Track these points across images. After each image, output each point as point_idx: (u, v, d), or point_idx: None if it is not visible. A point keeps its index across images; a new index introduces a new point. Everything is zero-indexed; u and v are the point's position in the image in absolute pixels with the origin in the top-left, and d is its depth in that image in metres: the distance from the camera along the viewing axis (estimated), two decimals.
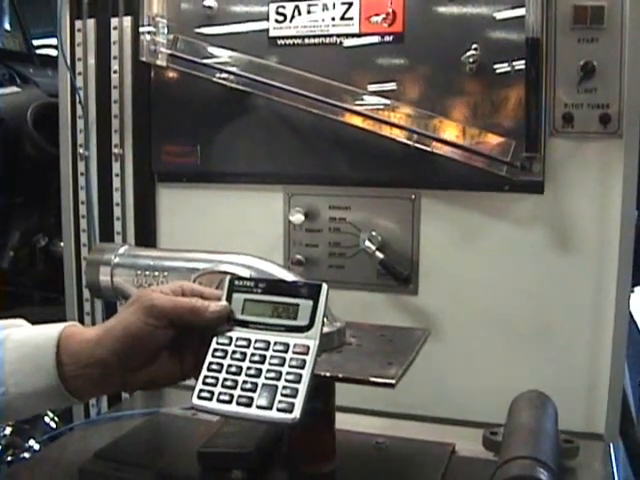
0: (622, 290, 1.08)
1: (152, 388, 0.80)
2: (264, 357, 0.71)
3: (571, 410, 1.07)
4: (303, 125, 1.19)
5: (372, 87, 1.15)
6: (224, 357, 0.72)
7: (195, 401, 0.71)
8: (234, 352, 0.72)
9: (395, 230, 1.19)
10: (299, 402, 0.67)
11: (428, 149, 1.12)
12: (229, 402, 0.69)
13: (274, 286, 0.75)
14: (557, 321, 1.13)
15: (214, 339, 0.74)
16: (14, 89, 2.11)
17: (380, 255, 1.17)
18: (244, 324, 0.74)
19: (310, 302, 0.72)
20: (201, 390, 0.71)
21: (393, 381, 0.78)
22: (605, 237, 1.09)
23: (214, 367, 0.72)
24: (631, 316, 1.25)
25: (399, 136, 1.13)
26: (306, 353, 0.69)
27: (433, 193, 1.17)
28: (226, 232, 1.27)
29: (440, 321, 1.18)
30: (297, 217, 1.21)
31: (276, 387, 0.68)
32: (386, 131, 1.14)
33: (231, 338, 0.73)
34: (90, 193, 1.36)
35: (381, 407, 1.15)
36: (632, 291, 1.13)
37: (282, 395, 0.68)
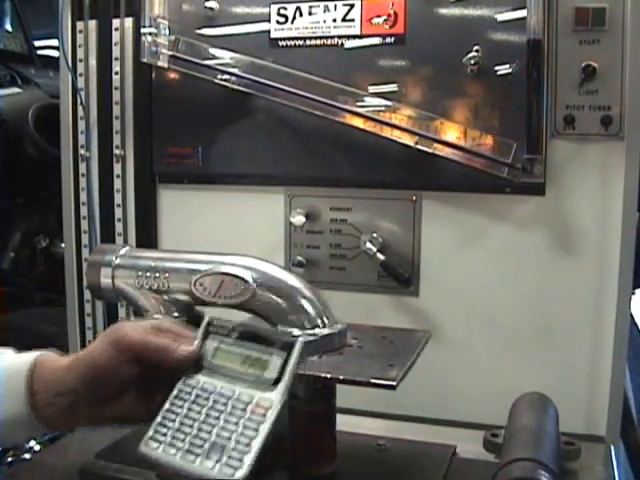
0: (623, 292, 1.08)
1: (119, 424, 0.78)
2: (221, 412, 0.68)
3: (572, 412, 1.07)
4: (304, 126, 1.19)
5: (373, 89, 1.15)
6: (182, 405, 0.70)
7: (141, 447, 0.68)
8: (193, 401, 0.69)
9: (396, 232, 1.19)
10: (249, 458, 0.63)
11: (429, 151, 1.12)
12: (174, 455, 0.66)
13: (250, 334, 0.72)
14: (558, 323, 1.13)
15: (178, 384, 0.72)
16: (15, 90, 2.12)
17: (381, 257, 1.17)
18: (212, 370, 0.71)
19: (283, 355, 0.69)
20: (150, 437, 0.68)
21: (394, 383, 0.78)
22: (606, 239, 1.09)
23: (169, 415, 0.69)
24: (632, 318, 1.25)
25: (400, 138, 1.13)
26: (265, 412, 0.66)
27: (434, 195, 1.17)
28: (227, 233, 1.27)
29: (441, 323, 1.18)
30: (298, 218, 1.21)
31: (228, 442, 0.65)
32: (387, 133, 1.14)
33: (194, 386, 0.71)
34: (91, 194, 1.36)
35: (382, 409, 1.15)
36: (633, 293, 1.13)
37: (233, 450, 0.64)
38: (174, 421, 0.69)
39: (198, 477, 0.64)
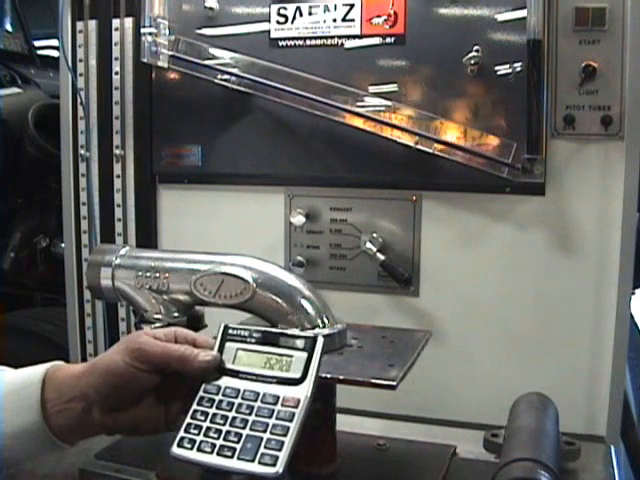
0: (623, 292, 1.08)
1: (133, 434, 0.76)
2: (252, 408, 0.68)
3: (572, 412, 1.07)
4: (304, 126, 1.19)
5: (373, 89, 1.15)
6: (210, 406, 0.70)
7: (174, 450, 0.68)
8: (221, 401, 0.70)
9: (396, 232, 1.19)
10: (283, 456, 0.64)
11: (429, 151, 1.12)
12: (210, 452, 0.67)
13: (269, 336, 0.73)
14: (558, 322, 1.13)
15: (202, 387, 0.72)
16: (15, 90, 2.11)
17: (381, 257, 1.17)
18: (234, 374, 0.72)
19: (304, 354, 0.70)
20: (182, 438, 0.69)
21: (394, 383, 0.78)
22: (606, 239, 1.09)
23: (199, 415, 0.70)
24: (632, 318, 1.25)
25: (400, 138, 1.13)
26: (296, 406, 0.67)
27: (434, 195, 1.17)
28: (227, 233, 1.27)
29: (441, 323, 1.18)
30: (298, 218, 1.21)
31: (261, 439, 0.66)
32: (387, 133, 1.14)
33: (219, 387, 0.71)
34: (91, 194, 1.36)
35: (382, 409, 1.15)
36: (633, 293, 1.13)
37: (266, 447, 0.65)
38: (204, 421, 0.69)
39: (239, 473, 0.65)
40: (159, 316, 0.92)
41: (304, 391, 0.68)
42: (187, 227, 1.31)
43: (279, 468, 0.64)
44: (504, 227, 1.14)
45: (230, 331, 0.74)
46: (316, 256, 1.24)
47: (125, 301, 0.96)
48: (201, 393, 0.72)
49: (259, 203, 1.26)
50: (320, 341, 0.71)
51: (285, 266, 1.22)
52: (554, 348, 1.13)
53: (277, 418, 0.67)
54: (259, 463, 0.64)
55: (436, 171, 1.14)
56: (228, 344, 0.74)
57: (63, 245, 1.42)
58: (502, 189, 1.12)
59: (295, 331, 0.76)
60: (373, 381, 0.79)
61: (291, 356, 0.71)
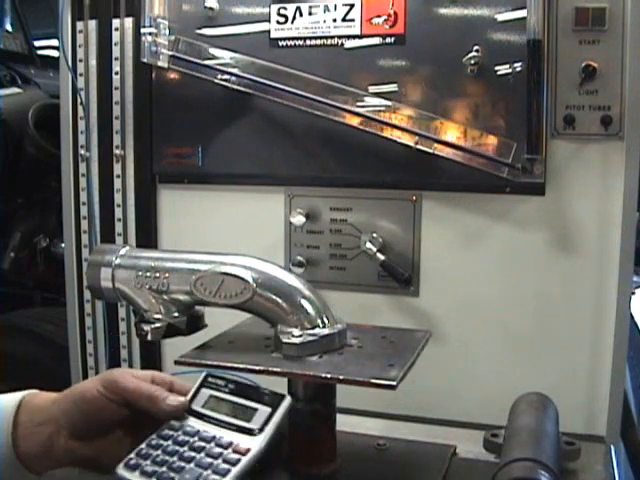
0: (623, 292, 1.08)
1: (96, 467, 0.77)
2: (203, 448, 0.71)
3: (572, 412, 1.07)
4: (304, 126, 1.19)
5: (373, 89, 1.15)
6: (167, 439, 0.72)
7: (119, 469, 0.70)
8: (177, 437, 0.72)
9: (396, 232, 1.19)
10: None
11: (429, 151, 1.12)
12: (149, 477, 0.68)
13: (241, 388, 0.76)
14: (558, 322, 1.13)
15: (165, 423, 0.75)
16: (15, 90, 2.12)
17: (381, 257, 1.17)
18: (200, 416, 0.75)
19: (268, 409, 0.73)
20: (130, 459, 0.71)
21: (394, 383, 0.78)
22: (606, 239, 1.09)
23: (152, 444, 0.72)
24: (632, 318, 1.25)
25: (400, 138, 1.13)
26: (244, 454, 0.69)
27: (434, 195, 1.17)
28: (227, 233, 1.27)
29: (441, 323, 1.18)
30: (298, 218, 1.21)
31: (200, 475, 0.67)
32: (387, 133, 1.14)
33: (182, 425, 0.74)
34: (91, 194, 1.36)
35: (382, 409, 1.15)
36: (633, 293, 1.13)
37: None
38: (155, 450, 0.71)
39: None
40: (159, 316, 0.92)
41: (258, 442, 0.70)
42: (187, 227, 1.31)
43: None
44: (504, 227, 1.14)
45: (209, 379, 0.78)
46: (316, 256, 1.24)
47: (125, 301, 0.96)
48: (164, 427, 0.74)
49: (259, 203, 1.26)
50: (286, 400, 0.74)
51: (285, 266, 1.22)
52: (554, 348, 1.13)
53: (223, 460, 0.69)
54: None
55: (436, 171, 1.14)
56: (203, 390, 0.78)
57: (63, 245, 1.42)
58: (502, 189, 1.12)
59: (265, 390, 0.78)
60: (373, 381, 0.79)
61: (255, 409, 0.73)
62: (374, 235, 1.19)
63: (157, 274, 0.92)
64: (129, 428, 0.77)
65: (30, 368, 1.78)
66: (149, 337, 0.92)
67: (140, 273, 0.93)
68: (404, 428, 1.10)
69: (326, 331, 0.88)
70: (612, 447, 1.07)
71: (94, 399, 0.73)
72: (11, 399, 0.75)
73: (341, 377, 0.81)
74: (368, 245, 1.18)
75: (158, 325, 0.91)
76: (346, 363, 0.84)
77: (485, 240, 1.16)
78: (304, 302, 0.88)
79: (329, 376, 0.81)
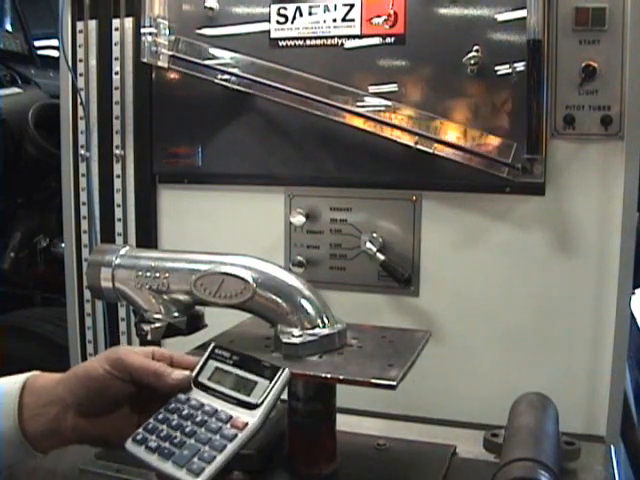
0: (623, 291, 1.08)
1: (104, 444, 0.79)
2: (205, 422, 0.71)
3: (572, 412, 1.07)
4: (304, 126, 1.19)
5: (373, 89, 1.15)
6: (173, 413, 0.73)
7: (128, 444, 0.72)
8: (182, 410, 0.73)
9: (396, 232, 1.19)
10: (210, 470, 0.67)
11: (429, 151, 1.12)
12: (152, 452, 0.70)
13: (244, 361, 0.76)
14: (558, 322, 1.13)
15: (172, 398, 0.75)
16: (15, 90, 2.12)
17: (381, 257, 1.17)
18: (205, 389, 0.75)
19: (267, 382, 0.73)
20: (137, 434, 0.72)
21: (394, 383, 0.78)
22: (606, 239, 1.09)
23: (159, 418, 0.73)
24: (632, 318, 1.25)
25: (400, 138, 1.13)
26: (241, 429, 0.69)
27: (434, 195, 1.17)
28: (227, 233, 1.27)
29: (441, 323, 1.18)
30: (298, 218, 1.21)
31: (198, 450, 0.68)
32: (387, 133, 1.14)
33: (188, 399, 0.75)
34: (91, 194, 1.36)
35: (382, 409, 1.15)
36: (633, 293, 1.13)
37: (199, 458, 0.68)
38: (161, 424, 0.72)
39: (167, 476, 0.68)
40: (159, 316, 0.92)
41: (255, 416, 0.71)
42: (187, 227, 1.31)
43: (201, 479, 0.66)
44: (504, 227, 1.14)
45: (216, 350, 0.78)
46: (316, 256, 1.24)
47: (125, 301, 0.96)
48: (171, 400, 0.75)
49: (259, 203, 1.26)
50: (285, 373, 0.73)
51: (285, 266, 1.22)
52: (554, 348, 1.13)
53: (220, 435, 0.69)
54: (187, 470, 0.67)
55: (436, 171, 1.14)
56: (210, 361, 0.77)
57: (63, 245, 1.42)
58: (502, 189, 1.12)
59: (273, 359, 0.79)
60: (373, 381, 0.79)
61: (255, 382, 0.73)
62: (374, 235, 1.19)
63: (157, 274, 0.92)
64: (134, 404, 0.77)
65: (30, 368, 1.78)
66: (149, 337, 0.92)
67: (140, 273, 0.93)
68: (404, 428, 1.10)
69: (326, 331, 0.88)
70: (612, 447, 1.07)
71: (100, 377, 0.73)
72: (14, 381, 0.76)
73: (341, 377, 0.81)
74: (368, 245, 1.18)
75: (158, 325, 0.92)
76: (346, 363, 0.84)
77: (485, 240, 1.16)
78: (304, 302, 0.88)
79: (329, 376, 0.81)
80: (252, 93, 1.20)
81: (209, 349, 0.78)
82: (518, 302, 1.15)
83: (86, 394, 0.74)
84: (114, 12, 1.31)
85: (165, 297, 0.92)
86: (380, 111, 1.14)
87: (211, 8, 1.21)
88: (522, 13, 1.05)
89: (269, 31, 1.20)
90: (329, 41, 1.17)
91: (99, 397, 0.74)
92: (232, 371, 0.75)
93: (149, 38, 1.23)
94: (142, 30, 1.23)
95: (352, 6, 1.15)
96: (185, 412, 0.73)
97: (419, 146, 1.12)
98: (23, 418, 0.73)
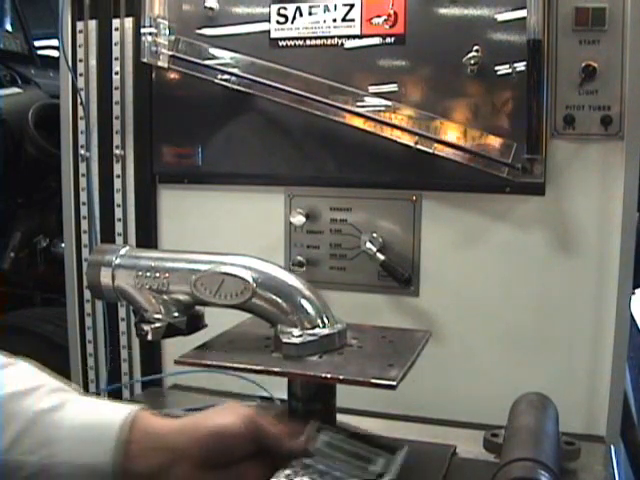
0: (623, 292, 1.08)
1: None
2: None
3: (572, 412, 1.07)
4: (304, 126, 1.19)
5: (373, 89, 1.15)
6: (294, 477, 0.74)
7: None
8: (308, 476, 0.73)
9: (396, 232, 1.19)
10: None
11: (429, 151, 1.12)
12: None
13: (358, 435, 0.79)
14: (558, 322, 1.13)
15: (293, 461, 0.75)
16: (15, 90, 2.12)
17: (381, 257, 1.17)
18: (324, 456, 0.76)
19: (388, 455, 0.77)
20: None
21: (394, 383, 0.78)
22: (606, 239, 1.09)
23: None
24: (632, 318, 1.25)
25: (400, 138, 1.13)
26: None
27: (434, 195, 1.17)
28: (227, 233, 1.27)
29: (441, 323, 1.18)
30: (298, 218, 1.21)
31: None
32: (387, 133, 1.14)
33: (309, 466, 0.75)
34: (91, 194, 1.36)
35: (382, 409, 1.15)
36: (633, 293, 1.13)
37: None
38: None
39: None
40: (159, 316, 0.92)
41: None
42: (187, 227, 1.31)
43: None
44: (504, 227, 1.14)
45: (323, 426, 0.80)
46: (316, 256, 1.24)
47: (125, 301, 0.96)
48: (292, 466, 0.75)
49: (259, 203, 1.26)
50: (405, 448, 0.78)
51: (285, 266, 1.22)
52: (554, 348, 1.13)
53: None
54: None
55: (436, 171, 1.14)
56: (322, 433, 0.79)
57: (63, 245, 1.42)
58: (502, 189, 1.12)
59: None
60: (373, 381, 0.79)
61: (376, 454, 0.77)
62: (374, 235, 1.19)
63: (157, 274, 0.92)
64: (250, 460, 0.75)
65: None
66: (149, 337, 0.92)
67: (140, 273, 0.93)
68: (404, 428, 1.09)
69: (326, 331, 0.88)
70: (612, 447, 1.07)
71: (236, 435, 0.72)
72: (119, 412, 0.72)
73: (341, 377, 0.81)
74: (368, 245, 1.18)
75: (158, 325, 0.92)
76: (346, 363, 0.84)
77: (485, 240, 1.16)
78: (304, 302, 0.88)
79: (329, 376, 0.81)
80: (252, 93, 1.20)
81: (315, 425, 0.79)
82: (518, 302, 1.15)
83: (215, 447, 0.72)
84: (114, 12, 1.31)
85: (165, 297, 0.92)
86: (380, 111, 1.15)
87: (211, 8, 1.21)
88: (522, 13, 1.05)
89: (269, 31, 1.20)
90: (329, 41, 1.17)
91: (226, 452, 0.72)
92: (347, 443, 0.77)
93: (149, 38, 1.23)
94: (142, 30, 1.23)
95: (352, 6, 1.15)
96: (311, 475, 0.73)
97: (419, 146, 1.12)
98: (128, 450, 0.69)
